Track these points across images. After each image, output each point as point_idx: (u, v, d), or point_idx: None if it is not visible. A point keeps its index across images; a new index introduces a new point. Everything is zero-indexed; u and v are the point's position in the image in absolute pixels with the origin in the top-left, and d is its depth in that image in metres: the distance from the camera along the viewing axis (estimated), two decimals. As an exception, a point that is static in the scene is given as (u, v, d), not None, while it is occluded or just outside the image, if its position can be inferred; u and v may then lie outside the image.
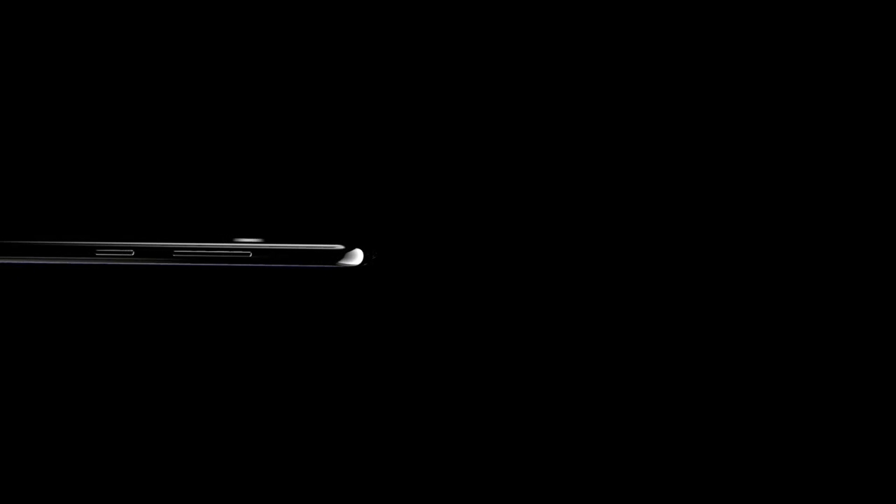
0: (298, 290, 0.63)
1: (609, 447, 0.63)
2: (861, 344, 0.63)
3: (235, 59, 0.63)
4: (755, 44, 0.64)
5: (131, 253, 0.60)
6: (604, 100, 0.64)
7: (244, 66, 0.63)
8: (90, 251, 0.60)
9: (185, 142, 0.63)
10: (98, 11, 0.63)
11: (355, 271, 0.63)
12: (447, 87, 0.64)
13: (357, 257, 0.62)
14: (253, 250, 0.61)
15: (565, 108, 0.64)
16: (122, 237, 0.61)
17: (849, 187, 0.64)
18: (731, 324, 0.63)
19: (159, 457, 0.62)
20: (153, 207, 0.63)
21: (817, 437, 0.63)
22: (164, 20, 0.63)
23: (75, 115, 0.63)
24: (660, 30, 0.64)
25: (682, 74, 0.64)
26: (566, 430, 0.63)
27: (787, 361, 0.63)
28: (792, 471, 0.63)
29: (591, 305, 0.63)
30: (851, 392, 0.63)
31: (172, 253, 0.60)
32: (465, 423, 0.63)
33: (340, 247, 0.62)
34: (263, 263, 0.61)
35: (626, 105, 0.64)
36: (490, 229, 0.64)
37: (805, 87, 0.64)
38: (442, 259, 0.64)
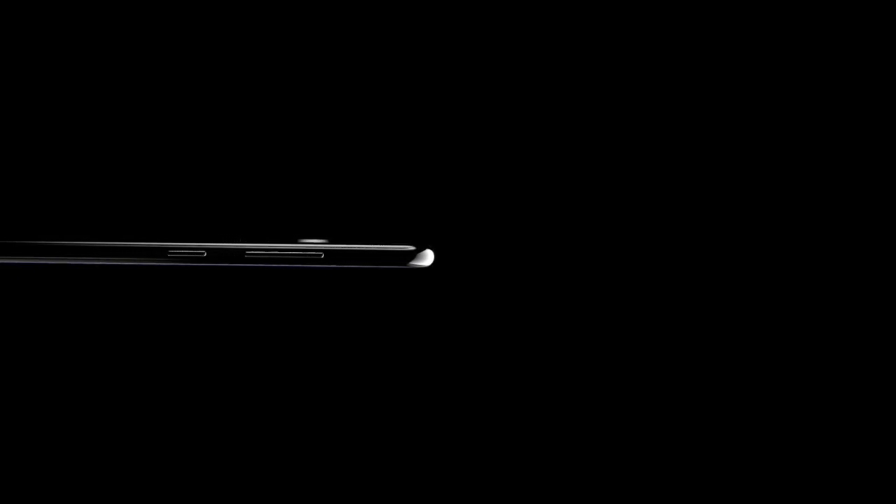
0: (368, 290, 0.63)
1: (662, 448, 0.63)
2: (861, 344, 0.63)
3: (301, 63, 0.63)
4: (759, 44, 0.63)
5: (203, 254, 0.60)
6: (662, 109, 0.63)
7: (312, 71, 0.63)
8: (162, 252, 0.60)
9: (255, 144, 0.63)
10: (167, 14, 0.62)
11: (426, 272, 0.62)
12: (517, 91, 0.63)
13: (428, 258, 0.62)
14: (325, 251, 0.61)
15: (625, 114, 0.63)
16: (195, 238, 0.61)
17: (849, 187, 0.63)
18: (758, 326, 0.63)
19: (227, 456, 0.63)
20: (222, 209, 0.62)
21: (817, 437, 0.63)
22: (215, 18, 0.62)
23: (149, 121, 0.63)
24: (688, 24, 0.63)
25: (708, 74, 0.63)
26: (638, 431, 0.63)
27: (787, 361, 0.63)
28: (792, 471, 0.63)
29: (659, 308, 0.63)
30: (851, 392, 0.63)
31: (245, 254, 0.60)
32: (530, 422, 0.63)
33: (411, 248, 0.62)
34: (335, 264, 0.61)
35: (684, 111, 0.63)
36: (563, 231, 0.63)
37: (805, 87, 0.63)
38: (511, 259, 0.63)
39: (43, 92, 0.62)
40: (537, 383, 0.63)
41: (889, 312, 0.63)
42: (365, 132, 0.63)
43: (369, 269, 0.62)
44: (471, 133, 0.63)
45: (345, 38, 0.63)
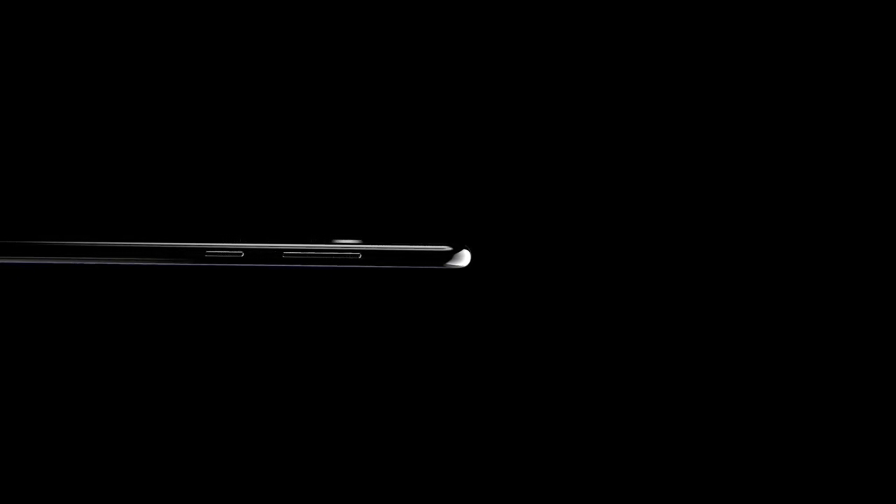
0: (404, 291, 0.63)
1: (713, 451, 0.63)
2: (861, 344, 0.63)
3: (338, 63, 0.63)
4: (768, 41, 0.62)
5: (241, 255, 0.60)
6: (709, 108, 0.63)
7: (350, 70, 0.63)
8: (199, 253, 0.60)
9: (292, 145, 0.63)
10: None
11: (462, 273, 0.62)
12: (555, 92, 0.63)
13: (464, 259, 0.62)
14: (362, 252, 0.61)
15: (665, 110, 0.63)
16: (232, 238, 0.61)
17: (849, 187, 0.63)
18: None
19: (259, 456, 0.63)
20: (260, 209, 0.62)
21: (818, 437, 0.63)
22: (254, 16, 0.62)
23: (185, 120, 0.62)
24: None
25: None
26: (678, 431, 0.63)
27: (788, 361, 0.63)
28: (792, 471, 0.63)
29: (696, 307, 0.63)
30: (851, 392, 0.63)
31: (282, 254, 0.60)
32: (567, 424, 0.63)
33: (448, 248, 0.62)
34: (372, 265, 0.61)
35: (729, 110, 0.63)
36: (602, 232, 0.63)
37: (806, 87, 0.63)
38: (548, 260, 0.63)
39: (83, 91, 0.62)
40: (575, 385, 0.63)
41: (889, 312, 0.63)
42: (401, 132, 0.63)
43: (406, 270, 0.62)
44: (508, 133, 0.63)
45: (378, 38, 0.63)
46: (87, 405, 0.62)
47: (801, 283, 0.63)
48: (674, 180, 0.63)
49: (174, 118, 0.62)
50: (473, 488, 0.63)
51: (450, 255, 0.62)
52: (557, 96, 0.63)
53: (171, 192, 0.62)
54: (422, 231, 0.63)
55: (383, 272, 0.62)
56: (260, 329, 0.62)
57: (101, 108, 0.62)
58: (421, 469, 0.63)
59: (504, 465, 0.63)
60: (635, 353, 0.63)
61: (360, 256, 0.61)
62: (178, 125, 0.63)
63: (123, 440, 0.62)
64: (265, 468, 0.62)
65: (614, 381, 0.63)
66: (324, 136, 0.63)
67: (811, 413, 0.63)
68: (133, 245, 0.60)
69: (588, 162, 0.63)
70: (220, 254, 0.60)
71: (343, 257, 0.60)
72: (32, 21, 0.62)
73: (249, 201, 0.62)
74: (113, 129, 0.62)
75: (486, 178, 0.63)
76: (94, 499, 0.62)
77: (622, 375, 0.63)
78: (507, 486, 0.63)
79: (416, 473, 0.63)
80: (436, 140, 0.63)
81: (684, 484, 0.63)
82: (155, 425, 0.62)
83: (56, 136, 0.62)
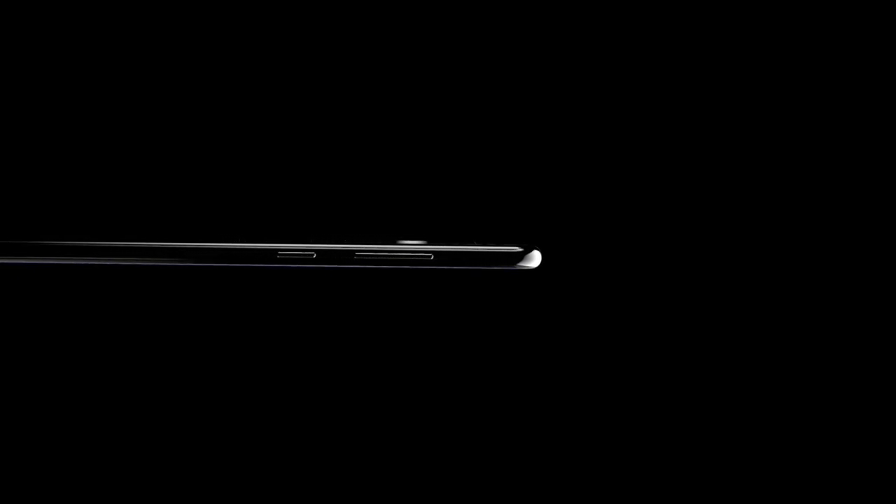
0: (475, 291, 0.63)
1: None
2: (861, 344, 0.62)
3: (415, 64, 0.62)
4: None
5: (313, 255, 0.60)
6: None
7: (421, 69, 0.62)
8: (271, 254, 0.60)
9: (364, 145, 0.63)
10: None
11: (533, 273, 0.62)
12: (626, 92, 0.63)
13: (535, 260, 0.62)
14: (434, 253, 0.60)
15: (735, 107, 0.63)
16: (304, 239, 0.60)
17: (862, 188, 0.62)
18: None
19: (336, 456, 0.63)
20: (331, 210, 0.62)
21: (818, 437, 0.63)
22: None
23: (263, 126, 0.62)
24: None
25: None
26: (758, 431, 0.63)
27: (789, 362, 0.63)
28: (792, 471, 0.63)
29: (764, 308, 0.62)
30: (852, 392, 0.63)
31: (354, 255, 0.60)
32: (638, 423, 0.63)
33: (519, 249, 0.61)
34: (444, 265, 0.61)
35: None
36: (673, 232, 0.63)
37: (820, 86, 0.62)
38: (619, 260, 0.63)
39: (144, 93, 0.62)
40: (648, 386, 0.63)
41: (889, 312, 0.62)
42: (473, 133, 0.63)
43: (476, 271, 0.61)
44: (579, 133, 0.63)
45: (433, 39, 0.63)
46: (161, 406, 0.62)
47: (847, 286, 0.63)
48: (749, 180, 0.63)
49: (248, 122, 0.62)
50: (551, 491, 0.63)
51: (520, 257, 0.61)
52: (632, 97, 0.63)
53: (245, 194, 0.62)
54: (491, 232, 0.63)
55: (453, 273, 0.62)
56: (332, 329, 0.62)
57: (188, 111, 0.62)
58: (497, 468, 0.63)
59: (580, 464, 0.63)
60: (709, 355, 0.63)
61: (432, 257, 0.60)
62: (261, 130, 0.62)
63: (176, 443, 0.62)
64: (332, 465, 0.62)
65: (689, 384, 0.63)
66: (393, 138, 0.63)
67: (839, 419, 0.63)
68: (209, 246, 0.60)
69: (661, 163, 0.63)
70: (292, 255, 0.60)
71: (415, 258, 0.60)
72: (32, 21, 0.61)
73: (319, 202, 0.62)
74: (190, 133, 0.62)
75: (558, 178, 0.63)
76: (106, 499, 0.62)
77: (697, 378, 0.63)
78: (586, 489, 0.63)
79: (493, 472, 0.63)
80: (506, 141, 0.63)
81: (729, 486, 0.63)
82: (230, 425, 0.62)
83: (134, 138, 0.62)
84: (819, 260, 0.63)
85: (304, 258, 0.60)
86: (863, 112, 0.63)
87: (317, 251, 0.60)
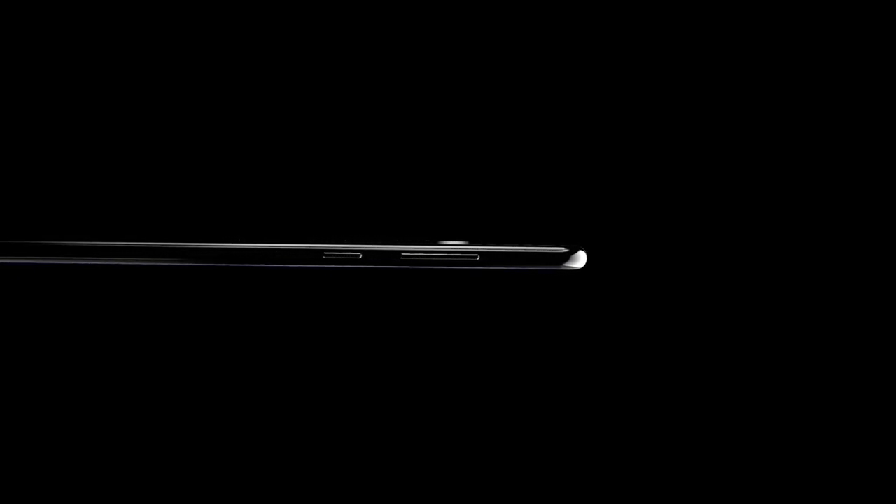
0: (520, 292, 0.63)
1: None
2: (861, 344, 0.62)
3: (450, 67, 0.62)
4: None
5: (359, 256, 0.60)
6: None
7: (448, 71, 0.62)
8: (317, 255, 0.60)
9: (407, 146, 0.63)
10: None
11: (578, 274, 0.62)
12: (668, 91, 0.62)
13: (580, 260, 0.61)
14: (480, 253, 0.60)
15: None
16: (350, 240, 0.60)
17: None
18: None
19: (380, 459, 0.63)
20: (378, 211, 0.62)
21: (818, 437, 0.63)
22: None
23: (299, 124, 0.62)
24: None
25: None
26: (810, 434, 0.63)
27: (790, 362, 0.63)
28: (792, 471, 0.63)
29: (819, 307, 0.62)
30: (852, 392, 0.62)
31: (400, 256, 0.60)
32: (681, 423, 0.63)
33: (564, 249, 0.61)
34: (490, 266, 0.61)
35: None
36: (720, 233, 0.62)
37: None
38: (665, 261, 0.63)
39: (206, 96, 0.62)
40: (693, 388, 0.63)
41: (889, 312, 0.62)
42: (517, 133, 0.63)
43: (521, 272, 0.61)
44: (624, 133, 0.63)
45: (478, 37, 0.63)
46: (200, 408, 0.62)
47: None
48: (796, 179, 0.62)
49: (288, 123, 0.62)
50: (608, 490, 0.63)
51: (566, 257, 0.61)
52: (677, 95, 0.63)
53: (291, 194, 0.62)
54: (535, 232, 0.63)
55: (497, 273, 0.62)
56: (378, 329, 0.62)
57: (225, 113, 0.62)
58: (551, 468, 0.63)
59: (634, 463, 0.63)
60: (756, 357, 0.62)
61: (478, 258, 0.60)
62: (293, 131, 0.62)
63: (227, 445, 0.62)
64: (380, 468, 0.62)
65: (735, 386, 0.63)
66: (435, 139, 0.63)
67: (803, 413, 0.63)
68: (255, 247, 0.60)
69: (709, 162, 0.63)
70: (338, 255, 0.60)
71: (461, 259, 0.60)
72: (32, 21, 0.61)
73: (366, 203, 0.62)
74: (236, 133, 0.62)
75: (602, 178, 0.63)
76: (109, 500, 0.62)
77: (744, 380, 0.63)
78: (642, 490, 0.63)
79: (548, 473, 0.63)
80: (551, 142, 0.63)
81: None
82: (269, 427, 0.62)
83: (169, 137, 0.62)
84: (856, 261, 0.62)
85: (349, 259, 0.60)
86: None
87: (363, 252, 0.60)
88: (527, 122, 0.63)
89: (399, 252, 0.60)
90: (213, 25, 0.62)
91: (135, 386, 0.61)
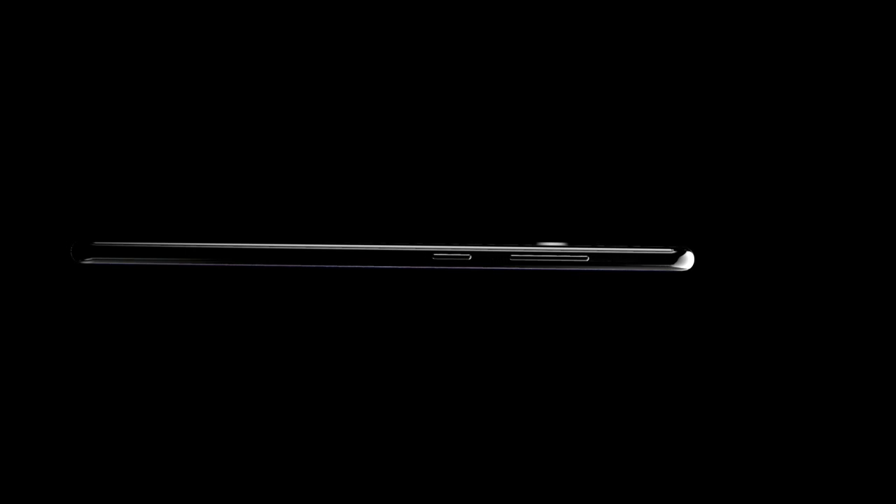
0: (628, 293, 0.62)
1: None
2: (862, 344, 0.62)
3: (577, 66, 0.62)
4: None
5: (468, 258, 0.59)
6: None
7: (539, 74, 0.62)
8: (427, 256, 0.59)
9: (516, 148, 0.62)
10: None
11: (686, 275, 0.61)
12: (767, 91, 0.62)
13: (688, 261, 0.61)
14: (589, 255, 0.60)
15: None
16: (460, 242, 0.60)
17: None
18: None
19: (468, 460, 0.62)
20: (489, 212, 0.62)
21: (818, 437, 0.62)
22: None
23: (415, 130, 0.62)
24: None
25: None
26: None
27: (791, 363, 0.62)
28: (792, 471, 0.62)
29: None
30: (852, 392, 0.62)
31: (510, 257, 0.60)
32: (794, 421, 0.62)
33: (671, 250, 0.61)
34: (599, 267, 0.60)
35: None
36: (828, 234, 0.62)
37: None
38: (772, 262, 0.62)
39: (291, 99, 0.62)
40: (801, 389, 0.62)
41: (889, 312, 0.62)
42: (622, 135, 0.62)
43: (629, 273, 0.61)
44: (733, 134, 0.62)
45: (554, 36, 0.62)
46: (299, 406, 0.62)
47: None
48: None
49: (397, 126, 0.62)
50: (711, 492, 0.62)
51: (674, 258, 0.61)
52: (782, 95, 0.62)
53: (400, 197, 0.62)
54: (643, 233, 0.62)
55: (605, 275, 0.61)
56: (488, 330, 0.62)
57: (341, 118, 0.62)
58: (666, 463, 0.62)
59: (748, 462, 0.62)
60: (867, 360, 0.62)
61: (588, 259, 0.60)
62: (411, 136, 0.62)
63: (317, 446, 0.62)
64: (458, 467, 0.62)
65: (845, 386, 0.62)
66: (539, 141, 0.62)
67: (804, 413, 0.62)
68: (363, 248, 0.59)
69: (820, 164, 0.62)
70: (447, 257, 0.59)
71: (571, 260, 0.60)
72: (58, 26, 0.61)
73: (475, 205, 0.62)
74: (346, 136, 0.62)
75: (710, 179, 0.62)
76: (114, 500, 0.62)
77: (855, 382, 0.62)
78: (743, 493, 0.62)
79: (663, 468, 0.62)
80: (658, 145, 0.62)
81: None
82: (392, 423, 0.62)
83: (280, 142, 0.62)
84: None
85: (459, 260, 0.59)
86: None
87: (472, 253, 0.60)
88: (638, 123, 0.62)
89: (509, 253, 0.60)
90: (325, 29, 0.62)
91: (243, 383, 0.61)
